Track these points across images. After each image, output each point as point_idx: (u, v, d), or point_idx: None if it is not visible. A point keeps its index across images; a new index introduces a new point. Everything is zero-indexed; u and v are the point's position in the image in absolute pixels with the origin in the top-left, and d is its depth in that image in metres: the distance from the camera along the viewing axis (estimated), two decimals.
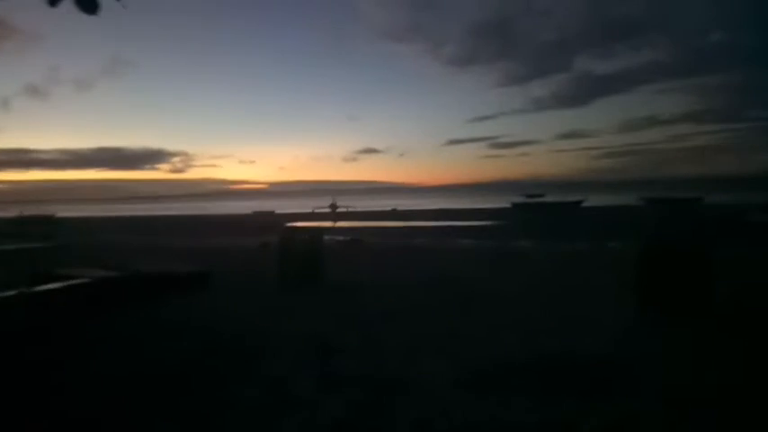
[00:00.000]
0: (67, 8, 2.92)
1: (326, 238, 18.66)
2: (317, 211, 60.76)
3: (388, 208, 63.73)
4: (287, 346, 5.48)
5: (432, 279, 9.65)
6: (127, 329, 6.31)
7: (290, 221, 44.75)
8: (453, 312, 6.95)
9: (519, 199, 60.31)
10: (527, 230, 27.40)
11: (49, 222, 50.58)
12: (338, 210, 61.54)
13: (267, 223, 42.47)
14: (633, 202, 50.32)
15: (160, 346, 5.53)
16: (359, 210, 60.51)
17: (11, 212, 60.69)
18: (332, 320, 6.56)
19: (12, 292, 5.89)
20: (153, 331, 6.16)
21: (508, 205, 56.03)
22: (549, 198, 59.56)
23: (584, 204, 51.25)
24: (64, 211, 76.01)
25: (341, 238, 21.50)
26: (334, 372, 4.64)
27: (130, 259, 13.07)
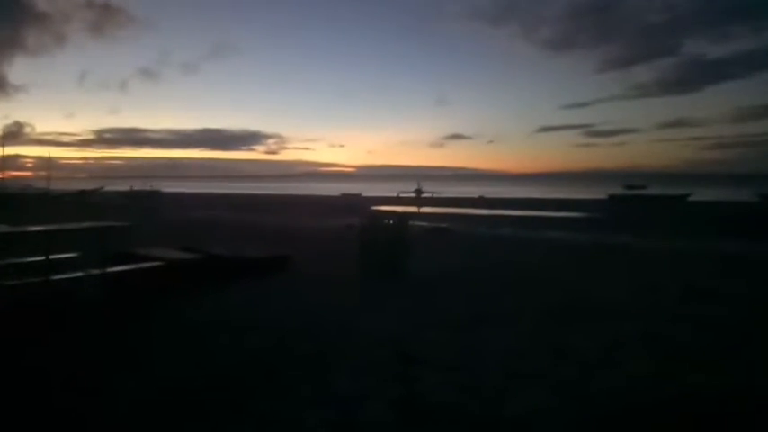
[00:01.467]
0: None
1: (411, 223, 18.08)
2: (402, 195, 60.38)
3: (475, 195, 62.13)
4: (361, 350, 4.82)
5: (525, 278, 8.68)
6: (189, 317, 5.97)
7: (375, 205, 44.74)
8: (554, 322, 6.01)
9: (616, 190, 56.55)
10: (626, 225, 25.29)
11: (155, 197, 54.25)
12: (423, 195, 60.78)
13: (353, 205, 42.65)
14: (748, 197, 45.56)
15: (217, 343, 5.00)
16: (445, 196, 59.38)
17: (124, 187, 65.71)
18: (414, 321, 5.83)
19: (80, 273, 5.74)
20: (215, 322, 5.76)
21: (604, 197, 52.68)
22: (650, 190, 55.39)
23: (691, 198, 46.93)
24: (168, 187, 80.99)
25: (426, 224, 20.79)
26: (418, 395, 3.88)
27: (214, 239, 13.25)
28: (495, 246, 13.93)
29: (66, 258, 6.66)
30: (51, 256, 6.61)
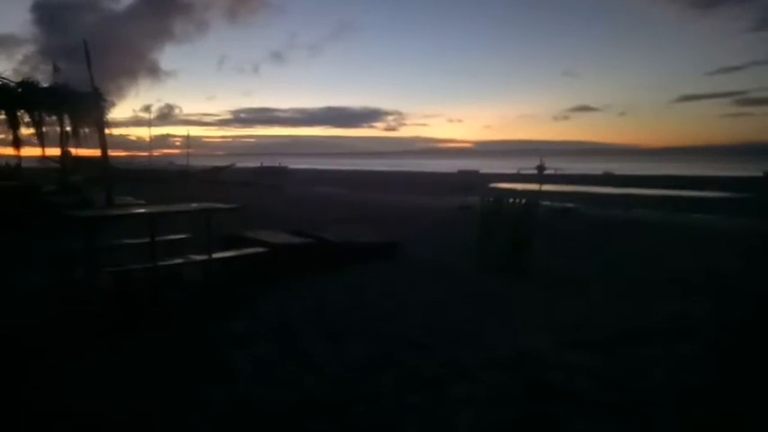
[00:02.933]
0: None
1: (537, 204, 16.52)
2: (522, 172, 57.61)
3: (599, 171, 57.65)
4: (484, 373, 3.91)
5: (681, 278, 7.18)
6: (287, 314, 5.44)
7: (493, 182, 42.97)
8: (740, 342, 4.67)
9: None
10: None
11: (282, 173, 57.05)
12: (546, 172, 57.50)
13: (470, 182, 41.31)
14: None
15: (313, 351, 4.38)
16: (570, 173, 55.73)
17: (255, 163, 69.96)
18: (547, 334, 4.78)
19: (179, 260, 5.44)
20: (314, 321, 5.17)
21: (760, 174, 46.24)
22: None
23: None
24: (294, 164, 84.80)
25: (551, 204, 19.14)
26: None
27: (329, 218, 12.99)
28: (634, 233, 12.19)
29: (173, 240, 6.49)
30: (159, 238, 6.49)
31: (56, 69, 13.89)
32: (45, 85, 13.16)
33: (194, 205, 6.11)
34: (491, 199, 7.72)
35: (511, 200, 7.63)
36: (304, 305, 5.55)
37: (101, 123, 13.31)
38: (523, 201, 7.56)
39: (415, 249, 8.82)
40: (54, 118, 13.92)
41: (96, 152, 14.60)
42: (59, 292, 5.65)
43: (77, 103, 13.07)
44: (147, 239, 5.96)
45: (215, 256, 5.70)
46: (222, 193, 25.38)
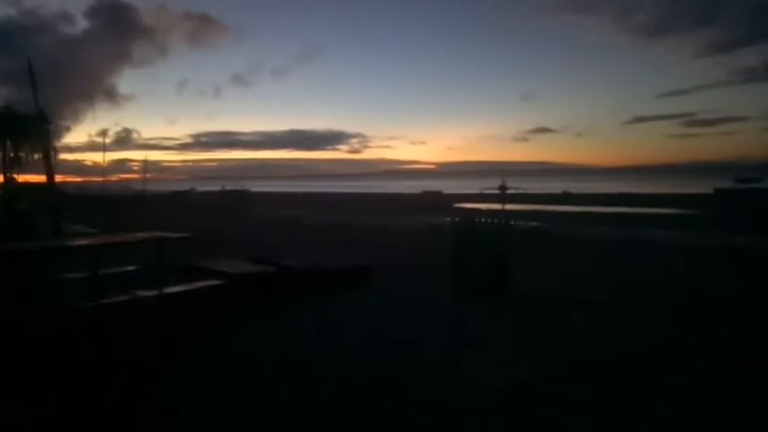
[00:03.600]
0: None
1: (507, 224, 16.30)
2: (485, 192, 58.15)
3: (559, 191, 58.84)
4: (469, 421, 3.49)
5: (668, 300, 6.96)
6: (248, 357, 4.94)
7: (458, 202, 43.08)
8: (740, 372, 4.40)
9: (725, 184, 51.23)
10: (743, 223, 22.20)
11: (244, 197, 55.99)
12: (508, 191, 58.17)
13: (435, 203, 41.28)
14: None
15: (252, 399, 3.90)
16: (531, 192, 56.53)
17: (216, 187, 68.60)
18: (535, 367, 4.39)
19: (124, 297, 4.88)
20: (265, 362, 4.69)
21: (710, 191, 47.79)
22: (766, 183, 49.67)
23: None
24: (258, 187, 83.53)
25: (516, 223, 19.04)
26: None
27: (293, 242, 12.47)
28: (604, 250, 12.09)
29: (122, 273, 5.89)
30: (107, 271, 5.89)
31: None
32: None
33: (141, 235, 5.56)
34: (466, 222, 7.39)
35: (484, 220, 7.32)
36: (265, 343, 5.04)
37: (46, 148, 12.49)
38: (497, 221, 7.27)
39: (385, 273, 8.39)
40: None
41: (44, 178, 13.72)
42: None
43: (20, 126, 12.21)
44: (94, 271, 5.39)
45: (166, 290, 5.15)
46: (183, 218, 24.47)
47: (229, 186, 67.72)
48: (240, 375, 4.21)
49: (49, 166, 12.71)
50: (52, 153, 12.98)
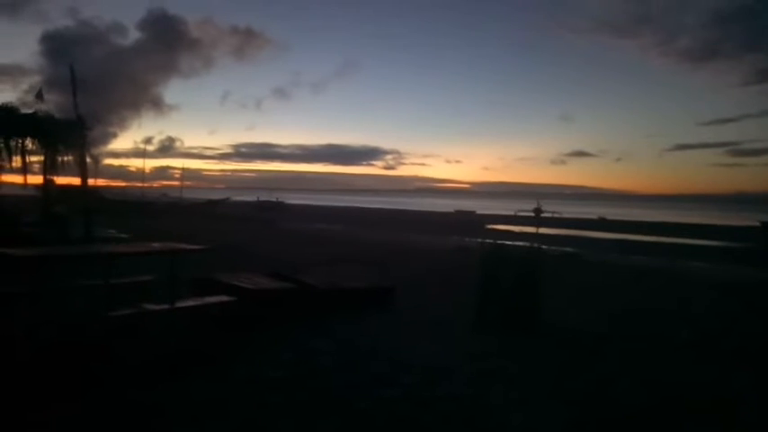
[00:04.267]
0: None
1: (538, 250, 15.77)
2: (519, 214, 57.16)
3: (596, 216, 57.46)
4: None
5: (714, 339, 6.45)
6: (241, 377, 4.69)
7: (490, 223, 42.43)
8: None
9: None
10: None
11: (279, 208, 56.68)
12: (543, 215, 57.05)
13: (468, 223, 40.73)
14: None
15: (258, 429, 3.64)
16: (566, 216, 55.33)
17: (252, 197, 69.84)
18: (566, 411, 3.92)
19: (129, 311, 4.69)
20: (274, 389, 4.42)
21: (756, 224, 45.85)
22: None
23: None
24: (293, 199, 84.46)
25: (549, 248, 18.44)
26: None
27: (316, 259, 12.26)
28: (642, 281, 11.48)
29: (136, 283, 5.76)
30: (120, 280, 5.76)
31: (39, 96, 13.33)
32: (27, 111, 12.57)
33: (156, 245, 5.41)
34: (495, 249, 7.03)
35: (514, 244, 6.95)
36: (275, 365, 4.78)
37: (83, 153, 12.71)
38: (528, 246, 6.89)
39: (409, 296, 8.08)
40: (36, 146, 13.29)
41: (88, 182, 13.98)
42: None
43: (59, 131, 12.47)
44: (115, 281, 5.27)
45: (178, 305, 4.96)
46: (214, 227, 24.68)
47: (264, 197, 68.76)
48: (244, 401, 3.96)
49: (84, 171, 12.95)
50: (89, 158, 13.28)
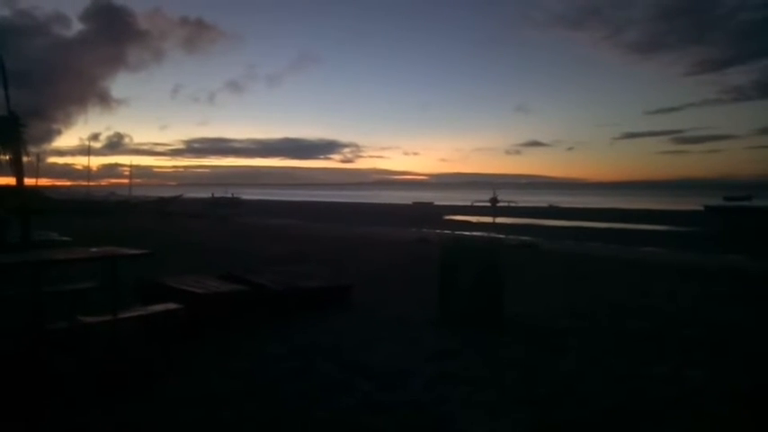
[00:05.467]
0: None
1: (494, 240, 15.76)
2: (476, 204, 57.82)
3: (547, 204, 58.74)
4: None
5: (672, 322, 6.48)
6: (188, 390, 4.37)
7: (448, 214, 42.69)
8: None
9: (715, 201, 51.38)
10: (735, 241, 21.97)
11: (234, 204, 55.44)
12: (499, 204, 57.88)
13: (426, 214, 40.85)
14: None
15: None
16: (523, 205, 56.28)
17: (206, 194, 68.17)
18: (533, 414, 3.78)
19: (63, 325, 4.27)
20: (224, 401, 4.12)
21: (700, 208, 47.80)
22: (756, 202, 49.88)
23: None
24: (249, 195, 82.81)
25: (506, 237, 18.54)
26: None
27: (272, 256, 11.88)
28: (599, 269, 11.61)
29: (76, 291, 5.30)
30: (58, 288, 5.31)
31: None
32: None
33: (94, 250, 4.97)
34: (452, 236, 6.87)
35: (474, 235, 6.80)
36: (227, 377, 4.46)
37: (17, 150, 11.87)
38: (488, 238, 6.75)
39: (368, 293, 7.85)
40: None
41: (28, 181, 13.11)
42: None
43: None
44: (51, 289, 4.84)
45: (121, 315, 4.55)
46: (166, 225, 23.80)
47: (219, 194, 67.14)
48: (190, 420, 3.63)
49: (20, 170, 12.11)
50: (26, 156, 12.42)
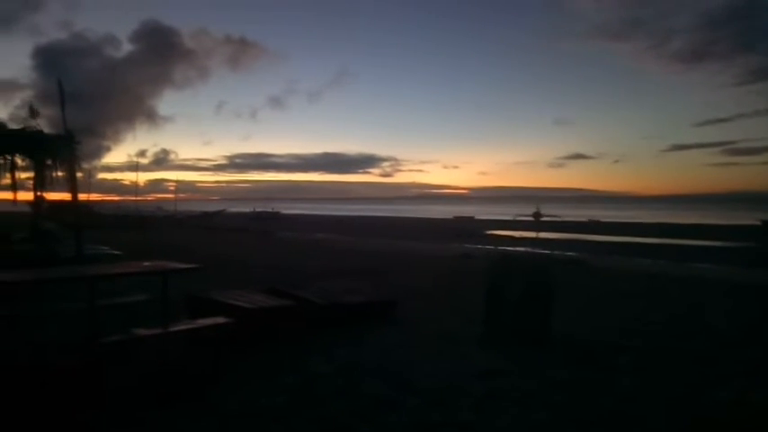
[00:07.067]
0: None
1: (541, 256, 15.35)
2: (519, 218, 56.99)
3: (596, 218, 57.22)
4: None
5: (732, 343, 6.17)
6: (236, 404, 4.38)
7: (490, 228, 42.18)
8: None
9: None
10: None
11: (275, 218, 56.48)
12: (543, 218, 56.88)
13: (467, 229, 40.45)
14: None
15: None
16: (567, 219, 55.13)
17: (248, 208, 69.80)
18: None
19: (118, 337, 4.37)
20: (272, 419, 4.11)
21: (756, 222, 45.67)
22: None
23: None
24: (289, 209, 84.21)
25: (551, 253, 18.13)
26: None
27: (314, 271, 11.95)
28: (651, 286, 11.18)
29: (128, 304, 5.45)
30: (110, 301, 5.46)
31: (32, 112, 13.03)
32: (16, 127, 12.31)
33: (146, 264, 5.11)
34: (498, 251, 6.75)
35: (521, 251, 6.66)
36: (272, 392, 4.46)
37: (72, 167, 12.42)
38: (536, 253, 6.60)
39: (411, 308, 7.78)
40: (26, 161, 13.02)
41: (83, 197, 13.74)
42: None
43: (48, 146, 12.21)
44: (104, 302, 4.98)
45: (172, 328, 4.64)
46: (210, 239, 24.35)
47: (260, 208, 68.58)
48: None
49: (75, 186, 12.65)
50: (79, 172, 12.99)
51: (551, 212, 63.46)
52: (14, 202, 14.82)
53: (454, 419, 3.94)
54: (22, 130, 12.16)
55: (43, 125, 12.99)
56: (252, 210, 65.49)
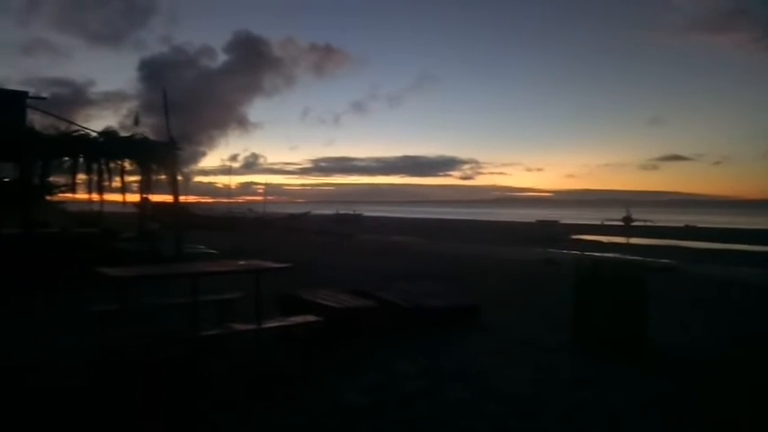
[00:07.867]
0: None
1: (634, 263, 14.62)
2: (607, 223, 54.36)
3: (693, 224, 53.40)
4: None
5: None
6: (325, 402, 4.51)
7: (575, 233, 40.59)
8: None
9: None
10: None
11: (357, 220, 57.72)
12: (633, 223, 53.90)
13: (551, 234, 39.21)
14: None
15: None
16: (660, 224, 51.98)
17: (331, 210, 71.83)
18: None
19: (214, 331, 4.66)
20: (358, 418, 4.20)
21: None
22: None
23: None
24: (370, 211, 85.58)
25: (644, 260, 17.15)
26: None
27: (395, 274, 12.08)
28: (755, 297, 10.35)
29: (223, 301, 5.81)
30: (206, 298, 5.83)
31: (136, 121, 14.21)
32: (124, 135, 13.44)
33: (242, 263, 5.42)
34: (587, 256, 6.52)
35: (610, 256, 6.40)
36: (359, 390, 4.59)
37: (174, 171, 13.41)
38: (627, 259, 6.32)
39: (493, 313, 7.68)
40: (133, 166, 14.17)
41: (181, 199, 14.75)
42: (92, 357, 5.06)
43: (153, 151, 13.25)
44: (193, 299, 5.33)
45: (265, 325, 4.91)
46: (295, 240, 25.26)
47: (343, 210, 70.14)
48: (329, 431, 3.79)
49: (176, 189, 13.62)
50: (180, 176, 13.97)
51: (643, 217, 59.95)
52: (123, 203, 16.18)
53: (538, 430, 3.87)
54: (131, 137, 13.24)
55: (146, 132, 14.13)
56: (335, 212, 67.19)
